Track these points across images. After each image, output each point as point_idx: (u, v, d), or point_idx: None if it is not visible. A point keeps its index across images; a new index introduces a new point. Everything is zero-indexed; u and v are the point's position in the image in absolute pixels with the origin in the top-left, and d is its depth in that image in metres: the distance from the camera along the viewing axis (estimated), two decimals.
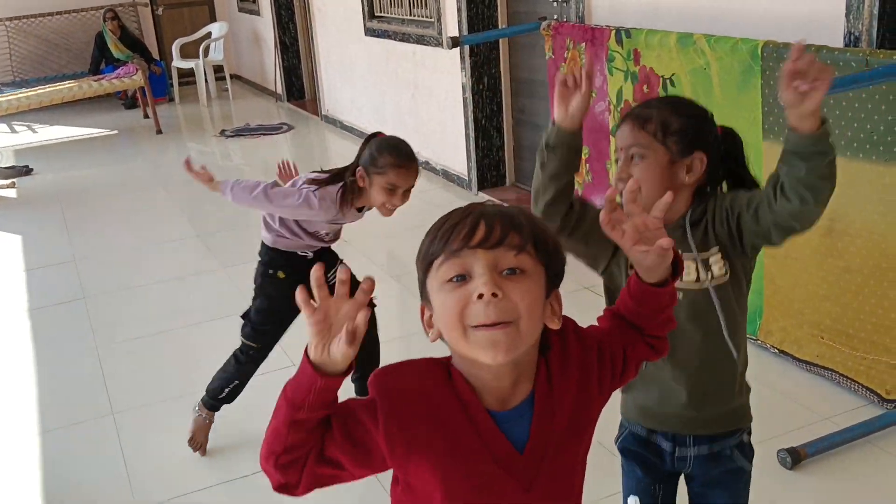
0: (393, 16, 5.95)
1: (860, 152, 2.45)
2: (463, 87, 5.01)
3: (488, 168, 5.13)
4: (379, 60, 6.21)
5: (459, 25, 4.90)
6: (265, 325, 2.81)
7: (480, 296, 1.01)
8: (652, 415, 1.60)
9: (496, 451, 1.09)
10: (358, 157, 2.51)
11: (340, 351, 1.01)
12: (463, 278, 1.03)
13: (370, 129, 6.57)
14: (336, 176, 2.53)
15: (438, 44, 5.22)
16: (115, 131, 8.13)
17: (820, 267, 2.68)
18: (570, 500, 1.18)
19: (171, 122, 8.24)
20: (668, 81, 3.13)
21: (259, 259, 2.87)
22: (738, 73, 2.81)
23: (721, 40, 2.85)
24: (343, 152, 6.70)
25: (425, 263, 1.08)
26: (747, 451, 1.63)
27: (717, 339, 1.52)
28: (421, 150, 5.85)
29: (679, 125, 1.50)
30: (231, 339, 3.45)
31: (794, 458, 2.32)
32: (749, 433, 1.64)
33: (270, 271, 2.83)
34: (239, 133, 7.49)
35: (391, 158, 2.45)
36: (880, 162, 2.40)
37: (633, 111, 1.56)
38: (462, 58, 4.95)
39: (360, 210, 2.59)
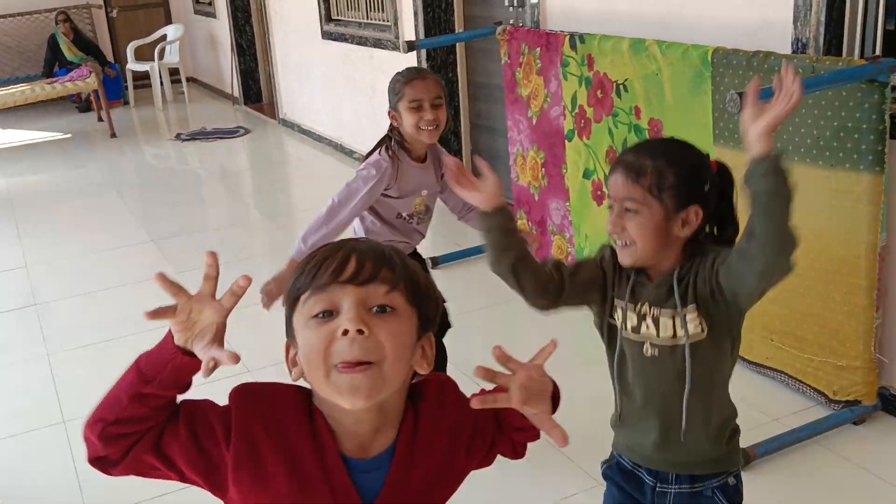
0: (350, 19, 5.94)
1: (807, 157, 2.50)
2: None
3: None
4: (336, 64, 6.19)
5: (416, 29, 4.90)
6: None
7: (346, 332, 0.97)
8: (636, 452, 1.60)
9: (341, 501, 1.03)
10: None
11: (203, 353, 0.99)
12: (330, 314, 0.99)
13: (328, 133, 6.61)
14: (377, 144, 2.48)
15: (396, 48, 5.22)
16: (69, 135, 7.99)
17: None
18: None
19: (125, 126, 8.12)
20: (621, 87, 3.16)
21: None
22: (690, 79, 2.85)
23: (672, 46, 2.89)
24: (301, 156, 6.67)
25: (291, 299, 1.04)
26: (731, 495, 1.58)
27: (692, 396, 1.50)
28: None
29: (675, 178, 1.45)
30: None
31: (745, 458, 2.36)
32: (737, 476, 1.60)
33: None
34: (195, 137, 7.41)
35: (401, 78, 2.39)
36: (826, 167, 2.45)
37: (626, 159, 1.49)
38: (419, 61, 4.95)
39: (423, 160, 2.45)
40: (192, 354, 1.00)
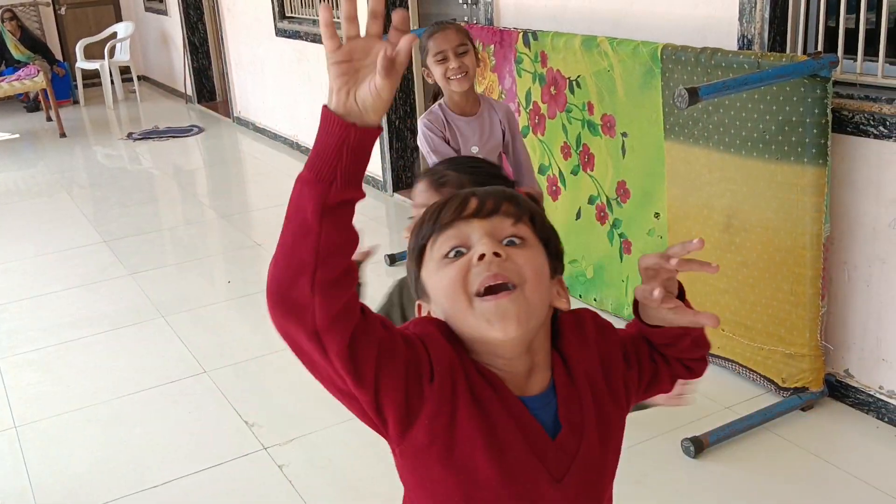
0: (304, 16, 5.91)
1: (754, 151, 2.56)
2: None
3: (402, 169, 5.14)
4: (291, 61, 6.15)
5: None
6: None
7: (482, 257, 0.93)
8: None
9: (529, 436, 0.97)
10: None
11: (372, 91, 0.82)
12: (461, 252, 0.96)
13: (283, 131, 6.57)
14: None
15: None
16: (17, 135, 7.83)
17: (719, 261, 2.77)
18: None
19: (75, 125, 7.98)
20: (574, 83, 3.20)
21: None
22: (640, 75, 2.90)
23: (623, 43, 2.93)
24: (256, 154, 6.62)
25: (417, 252, 1.00)
26: None
27: None
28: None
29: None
30: (139, 347, 3.38)
31: (697, 446, 2.41)
32: None
33: None
34: (147, 136, 7.31)
35: (425, 34, 2.50)
36: (772, 160, 2.51)
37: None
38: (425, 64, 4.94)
39: (470, 113, 2.55)
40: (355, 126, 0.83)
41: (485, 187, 1.02)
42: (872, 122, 2.38)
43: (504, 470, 0.96)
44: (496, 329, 0.93)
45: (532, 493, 0.98)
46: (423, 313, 1.01)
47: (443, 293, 0.96)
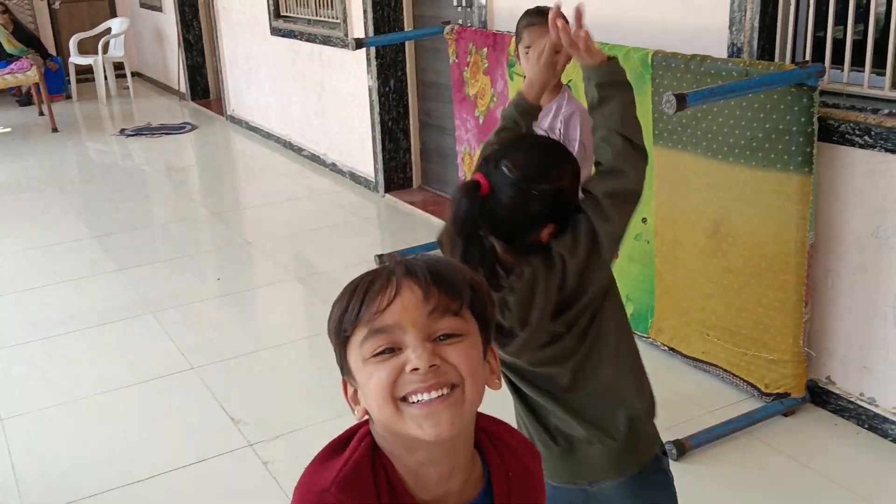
0: (299, 16, 5.92)
1: (741, 158, 2.58)
2: (369, 90, 5.03)
3: (395, 170, 5.16)
4: (285, 61, 6.16)
5: (365, 27, 4.91)
6: None
7: (415, 369, 0.88)
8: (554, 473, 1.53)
9: None
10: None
11: None
12: (392, 350, 0.89)
13: (276, 130, 6.58)
14: None
15: (345, 45, 5.22)
16: (9, 129, 7.81)
17: (706, 267, 2.81)
18: None
19: (67, 121, 7.96)
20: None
21: None
22: (631, 81, 2.90)
23: (615, 48, 2.95)
24: (248, 153, 6.62)
25: (340, 338, 0.92)
26: (662, 464, 1.59)
27: (586, 374, 1.48)
28: (327, 153, 5.84)
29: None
30: (127, 342, 3.38)
31: (680, 449, 2.43)
32: (663, 450, 1.61)
33: None
34: (140, 132, 7.30)
35: (523, 20, 2.34)
36: (759, 168, 2.54)
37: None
38: (368, 60, 4.96)
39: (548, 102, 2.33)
40: None
41: (424, 265, 0.92)
42: (858, 132, 2.41)
43: None
44: (427, 433, 0.88)
45: None
46: (350, 392, 0.96)
47: (371, 396, 0.90)
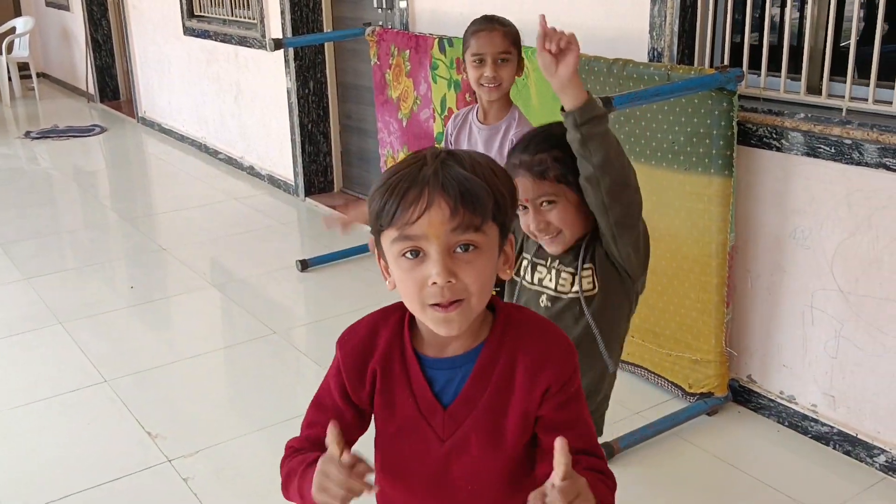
0: (214, 16, 5.77)
1: (663, 161, 2.61)
2: (288, 92, 4.93)
3: (315, 174, 5.07)
4: (199, 61, 6.00)
5: (283, 28, 4.81)
6: None
7: (435, 282, 1.05)
8: None
9: (421, 401, 1.14)
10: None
11: None
12: (417, 254, 1.05)
13: (191, 133, 6.40)
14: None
15: (262, 46, 5.11)
16: None
17: None
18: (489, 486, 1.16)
19: None
20: None
21: None
22: None
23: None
24: (161, 155, 6.42)
25: (376, 226, 1.08)
26: None
27: (585, 348, 1.65)
28: (245, 155, 5.71)
29: (571, 160, 1.56)
30: (35, 355, 3.21)
31: (608, 451, 2.44)
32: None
33: None
34: (46, 135, 7.00)
35: (471, 27, 2.26)
36: (681, 171, 2.57)
37: (523, 160, 1.60)
38: (287, 61, 4.86)
39: (490, 121, 2.32)
40: None
41: (455, 177, 1.04)
42: (775, 136, 2.46)
43: (395, 427, 1.17)
44: (442, 331, 1.09)
45: (421, 448, 1.16)
46: (382, 265, 1.13)
47: (402, 292, 1.10)
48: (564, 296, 1.67)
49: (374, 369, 1.16)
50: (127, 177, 6.15)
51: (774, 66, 2.57)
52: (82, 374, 3.05)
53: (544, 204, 1.59)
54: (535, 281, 1.72)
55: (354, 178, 5.05)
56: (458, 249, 1.04)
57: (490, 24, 2.24)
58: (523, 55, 2.33)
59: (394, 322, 1.17)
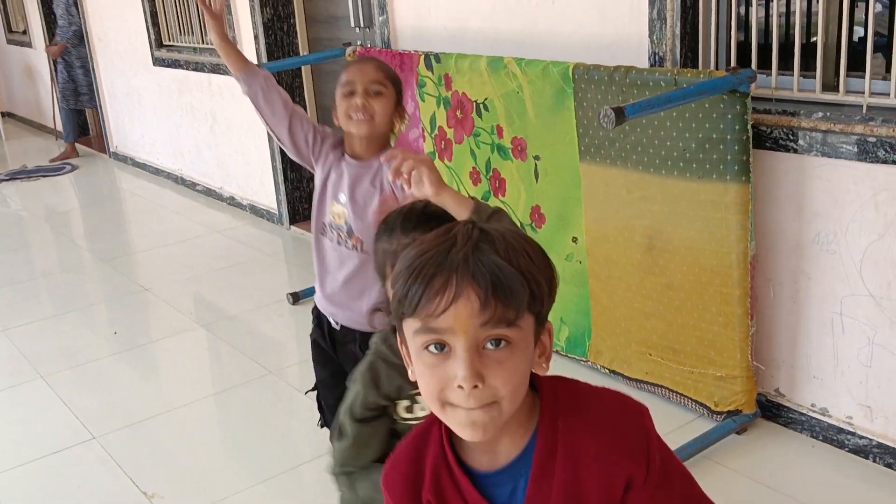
0: (184, 44, 5.60)
1: (674, 170, 2.49)
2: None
3: (299, 201, 4.90)
4: (171, 92, 5.82)
5: (258, 53, 4.65)
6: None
7: (460, 385, 0.94)
8: None
9: None
10: None
11: None
12: (443, 348, 0.94)
13: (166, 165, 6.21)
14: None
15: None
16: None
17: (643, 284, 2.70)
18: None
19: None
20: (481, 106, 3.07)
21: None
22: (551, 96, 2.79)
23: (532, 63, 2.83)
24: (137, 191, 6.23)
25: (398, 312, 0.97)
26: None
27: None
28: (224, 186, 5.53)
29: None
30: (15, 413, 3.01)
31: None
32: None
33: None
34: (14, 176, 6.77)
35: (347, 66, 2.08)
36: (694, 179, 2.44)
37: (398, 247, 1.42)
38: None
39: (362, 157, 2.03)
40: None
41: (488, 265, 0.92)
42: (791, 137, 2.34)
43: None
44: (467, 436, 0.97)
45: None
46: (403, 351, 1.02)
47: (422, 390, 0.98)
48: None
49: (429, 501, 1.04)
50: (102, 215, 5.94)
51: (784, 65, 2.46)
52: (69, 431, 2.86)
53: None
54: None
55: None
56: (489, 346, 0.93)
57: (363, 58, 2.13)
58: (403, 104, 2.09)
59: (435, 439, 1.05)
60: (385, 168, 1.95)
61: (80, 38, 6.90)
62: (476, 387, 0.92)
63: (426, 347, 0.94)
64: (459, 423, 0.96)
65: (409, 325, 0.96)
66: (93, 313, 4.02)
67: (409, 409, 1.56)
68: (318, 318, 2.16)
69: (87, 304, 4.13)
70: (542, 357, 1.00)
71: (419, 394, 1.53)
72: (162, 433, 2.84)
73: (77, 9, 6.79)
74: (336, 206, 2.03)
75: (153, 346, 3.58)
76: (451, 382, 0.93)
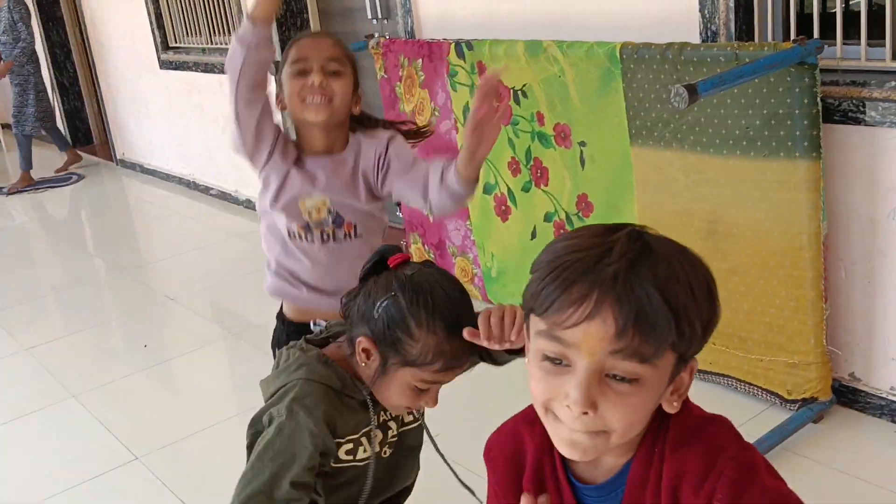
0: (191, 45, 5.46)
1: (737, 150, 2.36)
2: (283, 116, 4.62)
3: None
4: (179, 95, 5.69)
5: None
6: None
7: (569, 405, 0.88)
8: None
9: None
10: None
11: None
12: (561, 362, 0.87)
13: (175, 170, 6.08)
14: None
15: None
16: None
17: None
18: None
19: None
20: (519, 93, 2.94)
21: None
22: (597, 79, 2.67)
23: (574, 45, 2.70)
24: (148, 198, 6.11)
25: (528, 305, 0.90)
26: None
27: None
28: (239, 189, 5.41)
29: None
30: (52, 436, 2.88)
31: None
32: None
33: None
34: (21, 189, 6.64)
35: (291, 42, 1.76)
36: (759, 157, 2.32)
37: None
38: (279, 83, 4.56)
39: (329, 150, 1.73)
40: None
41: (638, 291, 0.83)
42: (862, 109, 2.22)
43: None
44: (563, 451, 0.92)
45: None
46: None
47: (531, 387, 0.92)
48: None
49: (528, 490, 0.99)
50: (115, 224, 5.81)
51: (846, 34, 2.33)
52: (110, 452, 2.74)
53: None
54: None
55: None
56: (614, 376, 0.85)
57: (316, 33, 1.76)
58: (360, 85, 1.77)
59: (540, 433, 0.97)
60: (367, 156, 1.73)
61: (29, 56, 6.34)
62: (586, 413, 0.85)
63: (545, 355, 0.87)
64: (560, 439, 0.90)
65: (535, 323, 0.89)
66: (118, 327, 3.90)
67: (352, 452, 1.41)
68: (295, 330, 1.81)
69: (110, 317, 4.01)
70: (675, 394, 0.92)
71: (370, 430, 1.40)
72: (205, 450, 2.72)
73: (26, 26, 6.25)
74: (310, 200, 1.72)
75: (185, 358, 3.46)
76: (561, 399, 0.87)
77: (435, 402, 1.39)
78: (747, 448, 0.95)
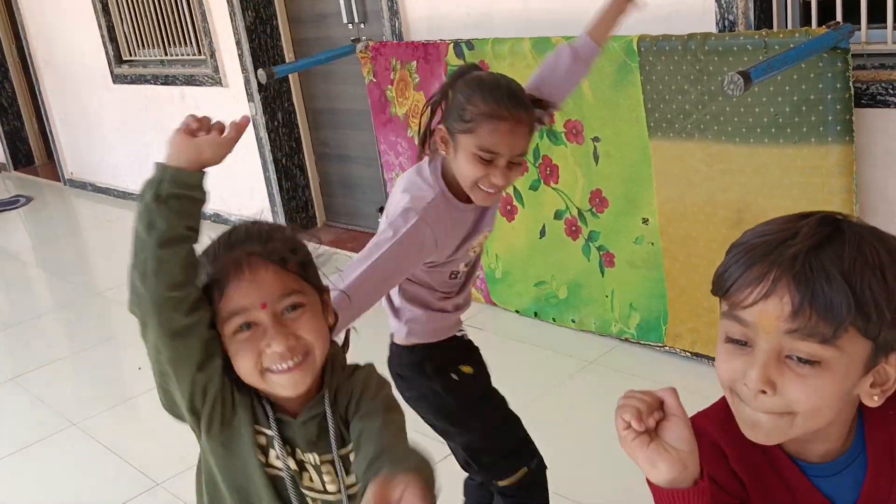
0: (148, 58, 5.28)
1: (765, 137, 2.38)
2: (255, 126, 4.51)
3: (296, 210, 4.67)
4: (137, 109, 5.49)
5: (242, 59, 4.40)
6: (487, 431, 1.82)
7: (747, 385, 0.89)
8: None
9: None
10: (438, 102, 1.62)
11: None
12: (744, 344, 0.89)
13: (132, 188, 5.86)
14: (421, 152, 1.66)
15: (215, 82, 4.68)
16: None
17: None
18: None
19: None
20: None
21: (397, 376, 1.77)
22: (612, 73, 2.66)
23: None
24: (105, 217, 5.88)
25: (715, 287, 0.92)
26: None
27: None
28: (208, 204, 5.23)
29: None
30: (61, 466, 2.73)
31: None
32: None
33: (434, 373, 1.76)
34: None
35: (481, 102, 1.52)
36: (789, 144, 2.34)
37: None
38: (250, 94, 4.45)
39: (469, 201, 1.63)
40: None
41: (823, 269, 0.83)
42: (892, 91, 2.26)
43: None
44: (746, 432, 0.93)
45: None
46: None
47: (717, 369, 0.94)
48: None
49: (736, 470, 0.99)
50: (79, 246, 5.57)
51: (872, 18, 2.37)
52: (126, 480, 2.60)
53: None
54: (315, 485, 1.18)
55: (339, 208, 4.68)
56: (794, 357, 0.85)
57: (515, 113, 1.53)
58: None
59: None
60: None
61: None
62: (764, 392, 0.86)
63: (729, 336, 0.89)
64: (742, 419, 0.91)
65: (721, 303, 0.92)
66: (108, 349, 3.71)
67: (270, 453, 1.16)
68: (468, 348, 1.85)
69: (97, 340, 3.82)
70: (877, 387, 0.89)
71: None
72: None
73: None
74: (475, 240, 1.70)
75: None
76: (742, 379, 0.89)
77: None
78: None
